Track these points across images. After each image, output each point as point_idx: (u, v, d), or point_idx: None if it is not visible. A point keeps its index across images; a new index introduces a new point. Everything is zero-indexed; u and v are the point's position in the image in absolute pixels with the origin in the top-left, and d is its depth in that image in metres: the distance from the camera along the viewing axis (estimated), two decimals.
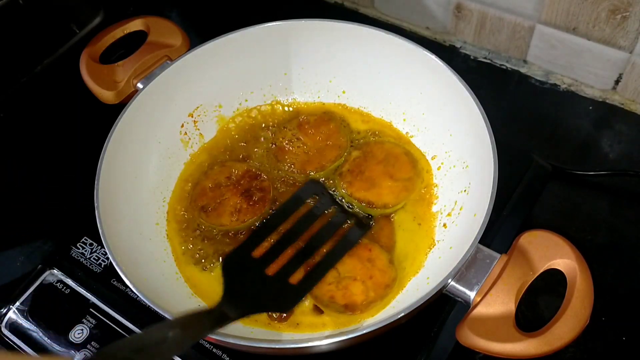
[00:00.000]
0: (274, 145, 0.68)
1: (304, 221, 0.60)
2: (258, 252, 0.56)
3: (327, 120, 0.69)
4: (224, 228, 0.61)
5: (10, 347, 0.58)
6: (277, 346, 0.47)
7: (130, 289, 0.48)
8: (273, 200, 0.63)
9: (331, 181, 0.65)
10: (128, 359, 0.33)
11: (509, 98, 0.80)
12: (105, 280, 0.61)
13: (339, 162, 0.66)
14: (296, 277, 0.55)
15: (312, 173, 0.65)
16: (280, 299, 0.53)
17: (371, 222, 0.61)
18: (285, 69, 0.71)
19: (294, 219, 0.60)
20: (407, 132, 0.68)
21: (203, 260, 0.60)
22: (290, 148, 0.67)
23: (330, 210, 0.61)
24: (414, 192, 0.63)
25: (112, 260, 0.49)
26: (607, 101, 0.77)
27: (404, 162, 0.64)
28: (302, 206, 0.61)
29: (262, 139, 0.69)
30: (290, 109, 0.72)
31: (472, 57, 0.84)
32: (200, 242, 0.61)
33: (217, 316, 0.44)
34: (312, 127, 0.69)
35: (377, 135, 0.69)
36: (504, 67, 0.82)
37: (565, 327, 0.45)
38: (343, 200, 0.63)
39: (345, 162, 0.65)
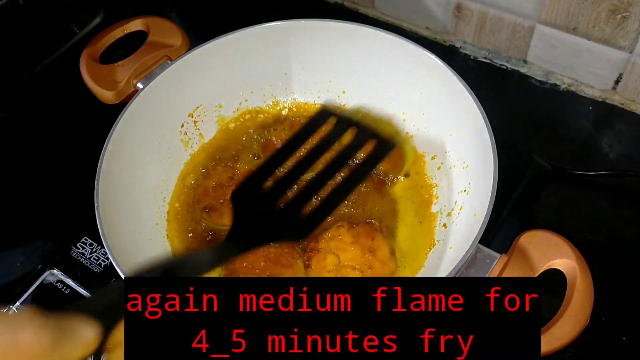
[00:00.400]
0: (263, 141, 0.68)
1: (318, 148, 0.54)
2: (268, 183, 0.52)
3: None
4: (226, 228, 0.61)
5: None
6: None
7: None
8: None
9: None
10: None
11: (509, 98, 0.80)
12: (105, 280, 0.61)
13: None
14: (310, 207, 0.51)
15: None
16: (291, 230, 0.49)
17: (395, 144, 0.56)
18: (285, 69, 0.71)
19: (307, 147, 0.54)
20: (407, 132, 0.68)
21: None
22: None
23: (347, 133, 0.56)
24: None
25: (112, 260, 0.49)
26: (607, 101, 0.77)
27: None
28: (315, 133, 0.55)
29: (262, 139, 0.69)
30: (292, 109, 0.72)
31: (472, 57, 0.84)
32: (200, 242, 0.61)
33: (221, 251, 0.43)
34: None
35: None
36: (504, 67, 0.82)
37: (565, 327, 0.45)
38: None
39: None
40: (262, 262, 0.58)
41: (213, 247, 0.44)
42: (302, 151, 0.54)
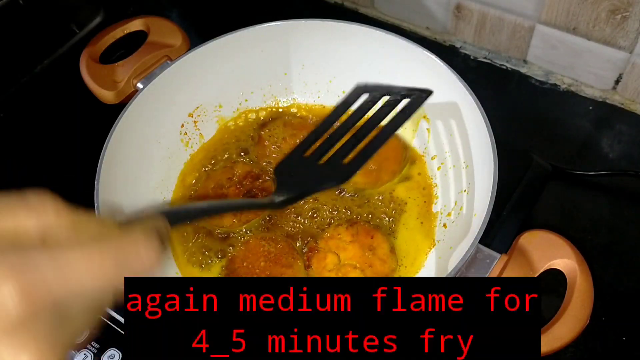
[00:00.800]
0: (255, 140, 0.68)
1: (353, 117, 0.52)
2: (308, 152, 0.51)
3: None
4: (226, 229, 0.61)
5: None
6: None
7: None
8: None
9: None
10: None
11: (509, 98, 0.80)
12: None
13: None
14: (349, 157, 0.49)
15: None
16: (332, 177, 0.48)
17: (432, 90, 0.52)
18: (285, 69, 0.71)
19: (342, 120, 0.53)
20: (407, 132, 0.68)
21: (201, 259, 0.60)
22: (271, 146, 0.67)
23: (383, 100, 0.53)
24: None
25: None
26: (607, 101, 0.77)
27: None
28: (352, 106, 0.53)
29: (255, 135, 0.69)
30: (292, 109, 0.72)
31: (472, 57, 0.84)
32: (200, 242, 0.61)
33: (267, 202, 0.44)
34: (296, 128, 0.69)
35: None
36: (504, 67, 0.82)
37: (565, 327, 0.45)
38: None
39: None
40: (262, 262, 0.58)
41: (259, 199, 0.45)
42: (337, 125, 0.53)
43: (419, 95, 0.52)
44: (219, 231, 0.62)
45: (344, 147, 0.49)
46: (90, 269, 0.27)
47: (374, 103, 0.53)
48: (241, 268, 0.58)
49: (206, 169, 0.67)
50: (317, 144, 0.51)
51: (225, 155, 0.68)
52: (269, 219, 0.62)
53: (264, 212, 0.62)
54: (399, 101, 0.52)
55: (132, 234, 0.30)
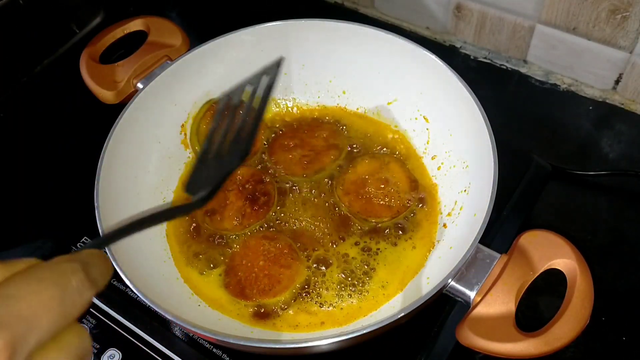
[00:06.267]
0: (265, 145, 0.68)
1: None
2: (210, 155, 0.50)
3: (321, 124, 0.70)
4: (227, 232, 0.61)
5: None
6: (277, 346, 0.47)
7: (130, 289, 0.48)
8: (276, 202, 0.63)
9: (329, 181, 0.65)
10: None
11: (509, 98, 0.80)
12: None
13: (329, 170, 0.65)
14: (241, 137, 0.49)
15: (304, 176, 0.65)
16: (234, 159, 0.49)
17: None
18: (286, 69, 0.71)
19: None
20: (407, 132, 0.68)
21: (200, 258, 0.60)
22: (283, 150, 0.67)
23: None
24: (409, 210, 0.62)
25: (112, 260, 0.49)
26: (607, 101, 0.77)
27: (404, 183, 0.63)
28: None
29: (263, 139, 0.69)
30: (294, 110, 0.72)
31: (472, 57, 0.84)
32: (199, 242, 0.61)
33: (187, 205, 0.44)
34: (308, 130, 0.69)
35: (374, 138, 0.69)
36: (504, 67, 0.82)
37: (565, 327, 0.45)
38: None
39: (345, 171, 0.64)
40: (262, 261, 0.58)
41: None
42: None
43: (274, 66, 0.54)
44: (219, 235, 0.61)
45: (235, 134, 0.50)
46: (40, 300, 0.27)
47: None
48: (240, 266, 0.58)
49: None
50: (213, 146, 0.50)
51: None
52: (267, 227, 0.62)
53: (262, 223, 0.62)
54: (259, 83, 0.53)
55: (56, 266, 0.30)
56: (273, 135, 0.69)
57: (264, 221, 0.62)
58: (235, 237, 0.61)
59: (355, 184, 0.63)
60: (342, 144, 0.67)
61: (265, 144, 0.69)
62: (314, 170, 0.65)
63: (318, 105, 0.72)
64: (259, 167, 0.67)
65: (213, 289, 0.58)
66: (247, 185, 0.64)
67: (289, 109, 0.72)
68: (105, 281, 0.33)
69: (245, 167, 0.66)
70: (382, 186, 0.63)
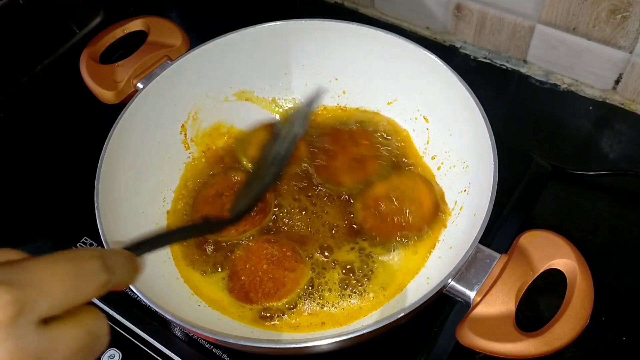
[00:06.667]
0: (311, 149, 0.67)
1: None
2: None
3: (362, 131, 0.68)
4: (224, 238, 0.61)
5: None
6: (277, 346, 0.47)
7: (130, 289, 0.48)
8: (274, 207, 0.63)
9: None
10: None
11: (509, 98, 0.80)
12: None
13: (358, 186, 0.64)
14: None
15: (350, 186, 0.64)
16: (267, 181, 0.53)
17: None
18: (285, 69, 0.71)
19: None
20: (407, 132, 0.68)
21: (202, 259, 0.60)
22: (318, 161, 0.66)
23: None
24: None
25: None
26: (607, 101, 0.77)
27: (426, 208, 0.61)
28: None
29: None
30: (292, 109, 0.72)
31: (472, 57, 0.84)
32: (201, 243, 0.61)
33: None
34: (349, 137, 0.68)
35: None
36: (504, 67, 0.82)
37: (565, 327, 0.45)
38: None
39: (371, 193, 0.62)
40: (265, 264, 0.58)
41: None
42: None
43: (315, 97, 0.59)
44: (220, 240, 0.61)
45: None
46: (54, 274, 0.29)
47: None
48: (244, 270, 0.58)
49: (207, 174, 0.67)
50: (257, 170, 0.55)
51: (225, 155, 0.68)
52: (267, 231, 0.62)
53: (261, 222, 0.62)
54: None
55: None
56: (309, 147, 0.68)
57: (259, 228, 0.61)
58: (236, 242, 0.61)
59: (376, 199, 0.62)
60: (385, 154, 0.66)
61: (310, 149, 0.67)
62: (359, 180, 0.64)
63: (318, 105, 0.72)
64: (301, 174, 0.65)
65: (215, 291, 0.58)
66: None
67: (289, 109, 0.72)
68: (126, 277, 0.34)
69: (242, 172, 0.66)
70: (403, 209, 0.61)
